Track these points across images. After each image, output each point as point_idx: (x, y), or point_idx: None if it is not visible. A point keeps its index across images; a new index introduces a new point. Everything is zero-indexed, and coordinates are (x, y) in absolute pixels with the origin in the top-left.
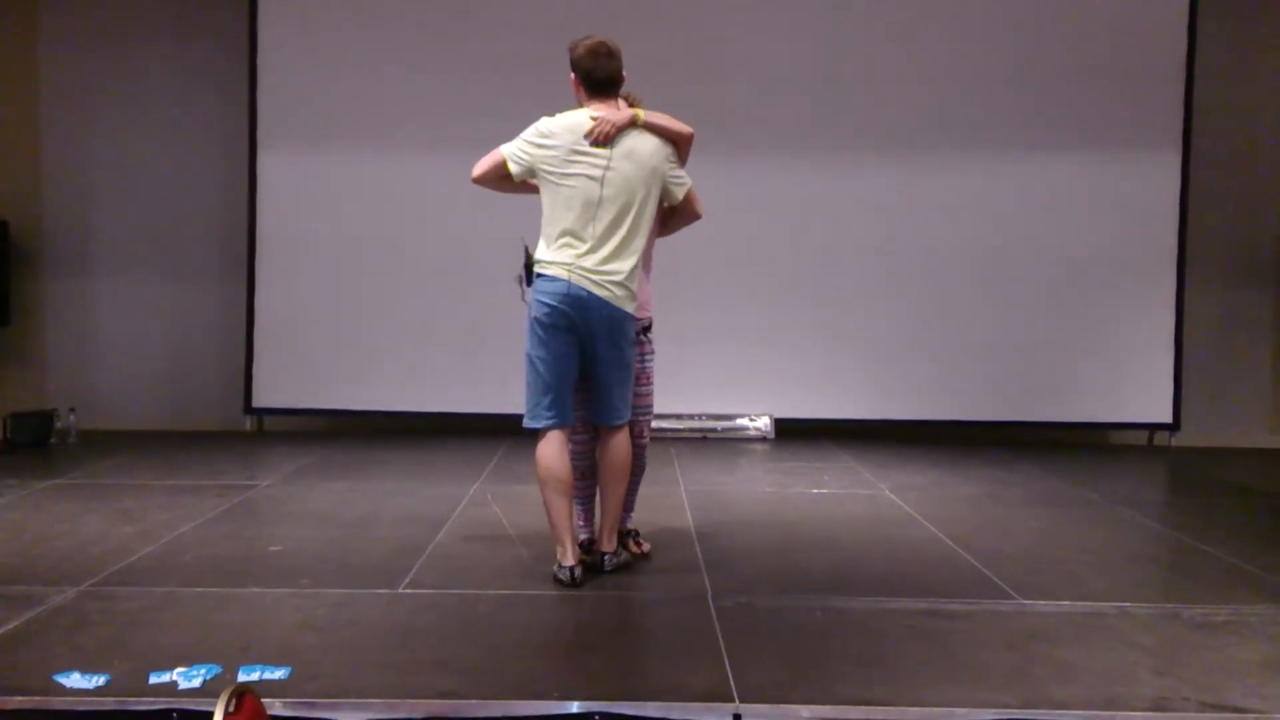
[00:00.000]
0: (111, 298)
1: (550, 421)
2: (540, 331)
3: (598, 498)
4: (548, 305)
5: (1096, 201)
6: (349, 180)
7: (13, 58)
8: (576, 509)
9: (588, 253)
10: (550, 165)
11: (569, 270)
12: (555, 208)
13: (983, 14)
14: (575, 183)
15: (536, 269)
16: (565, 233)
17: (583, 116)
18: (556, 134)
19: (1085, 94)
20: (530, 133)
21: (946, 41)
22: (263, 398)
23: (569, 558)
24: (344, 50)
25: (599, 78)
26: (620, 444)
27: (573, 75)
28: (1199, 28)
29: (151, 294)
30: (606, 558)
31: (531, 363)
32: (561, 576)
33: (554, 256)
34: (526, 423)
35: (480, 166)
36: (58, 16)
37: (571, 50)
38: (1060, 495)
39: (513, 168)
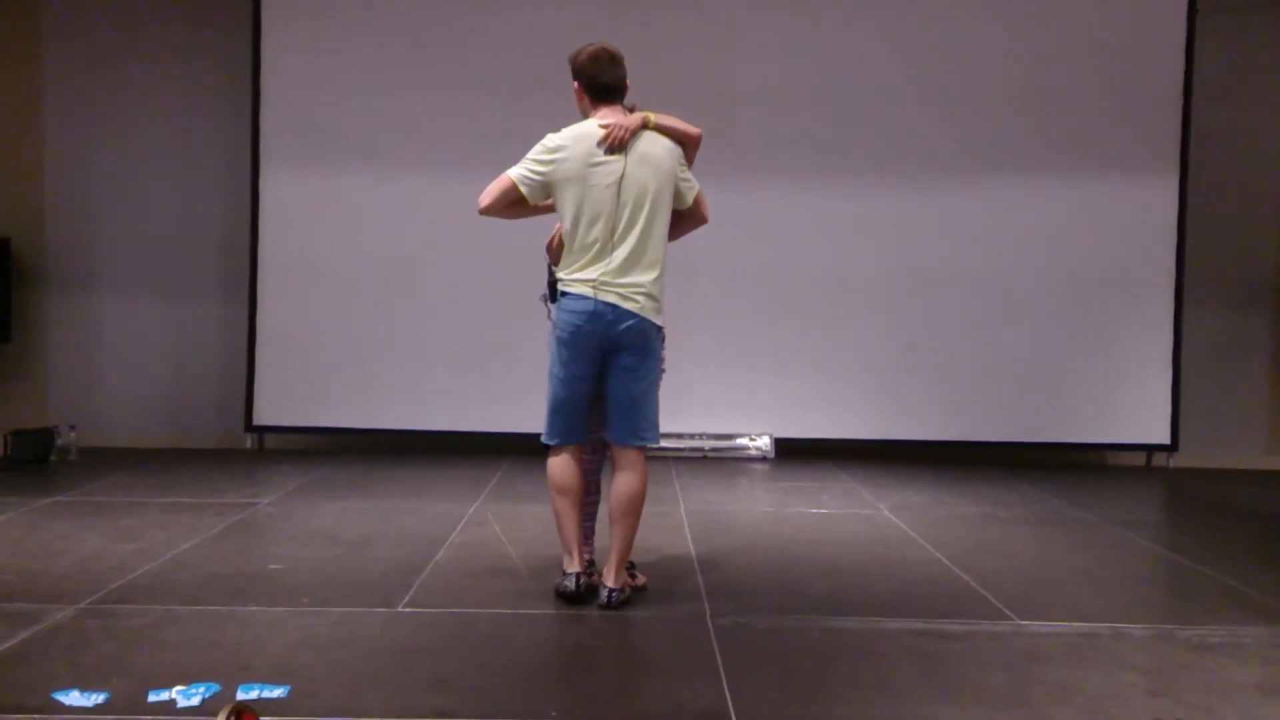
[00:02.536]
0: (113, 315)
1: (564, 439)
2: (563, 350)
3: (606, 529)
4: (573, 324)
5: (1095, 223)
6: (352, 199)
7: (18, 76)
8: None
9: (610, 264)
10: (569, 177)
11: (594, 286)
12: (575, 220)
13: (983, 39)
14: (594, 193)
15: (560, 287)
16: (586, 245)
17: (591, 125)
18: (568, 145)
19: (1084, 117)
20: (538, 151)
21: (947, 67)
22: (264, 415)
23: (574, 565)
24: (348, 70)
25: (603, 83)
26: (634, 473)
27: (576, 84)
28: (1197, 50)
29: (153, 311)
30: (613, 594)
31: (552, 380)
32: (566, 584)
33: (578, 274)
34: (544, 439)
35: (488, 195)
36: (63, 35)
37: (573, 59)
38: (1058, 516)
39: (524, 189)
